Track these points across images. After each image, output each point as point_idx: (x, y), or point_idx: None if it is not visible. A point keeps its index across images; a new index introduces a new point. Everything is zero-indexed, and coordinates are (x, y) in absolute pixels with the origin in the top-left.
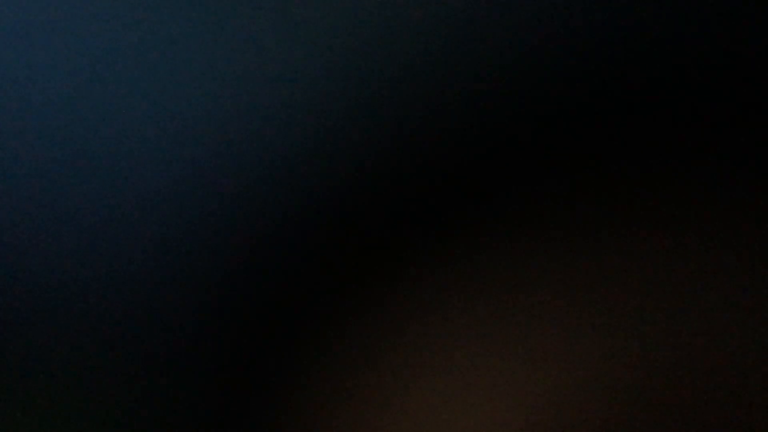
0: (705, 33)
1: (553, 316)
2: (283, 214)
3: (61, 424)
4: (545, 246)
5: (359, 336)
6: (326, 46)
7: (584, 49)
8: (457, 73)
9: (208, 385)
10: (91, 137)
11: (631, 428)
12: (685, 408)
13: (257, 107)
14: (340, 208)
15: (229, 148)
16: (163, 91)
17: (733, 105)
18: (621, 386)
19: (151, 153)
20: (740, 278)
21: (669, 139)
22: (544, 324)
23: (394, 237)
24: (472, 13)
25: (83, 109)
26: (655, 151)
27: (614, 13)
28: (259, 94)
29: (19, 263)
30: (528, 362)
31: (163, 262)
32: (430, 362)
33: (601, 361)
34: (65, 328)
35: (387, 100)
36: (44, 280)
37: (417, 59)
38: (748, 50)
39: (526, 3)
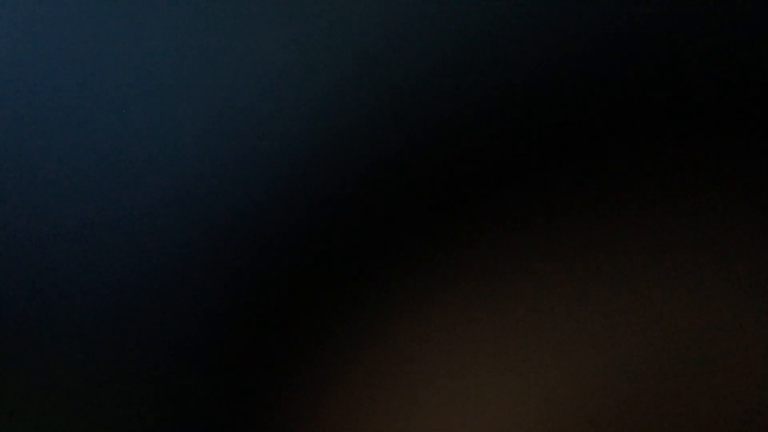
0: (705, 34)
1: (555, 316)
2: (284, 215)
3: (61, 424)
4: (547, 246)
5: (360, 336)
6: (331, 47)
7: (584, 52)
8: (458, 75)
9: (210, 387)
10: (93, 138)
11: (633, 428)
12: (687, 408)
13: (260, 108)
14: (342, 208)
15: (232, 148)
16: (165, 92)
17: (733, 105)
18: (622, 387)
19: (154, 154)
20: (741, 278)
21: (670, 139)
22: (546, 324)
23: (394, 238)
24: (474, 13)
25: (83, 110)
26: (656, 151)
27: (617, 15)
28: (260, 95)
29: (22, 265)
30: (529, 363)
31: (167, 262)
32: (430, 363)
33: (603, 362)
34: (68, 330)
35: (389, 101)
36: (47, 282)
37: (419, 60)
38: (748, 50)
39: (529, 5)
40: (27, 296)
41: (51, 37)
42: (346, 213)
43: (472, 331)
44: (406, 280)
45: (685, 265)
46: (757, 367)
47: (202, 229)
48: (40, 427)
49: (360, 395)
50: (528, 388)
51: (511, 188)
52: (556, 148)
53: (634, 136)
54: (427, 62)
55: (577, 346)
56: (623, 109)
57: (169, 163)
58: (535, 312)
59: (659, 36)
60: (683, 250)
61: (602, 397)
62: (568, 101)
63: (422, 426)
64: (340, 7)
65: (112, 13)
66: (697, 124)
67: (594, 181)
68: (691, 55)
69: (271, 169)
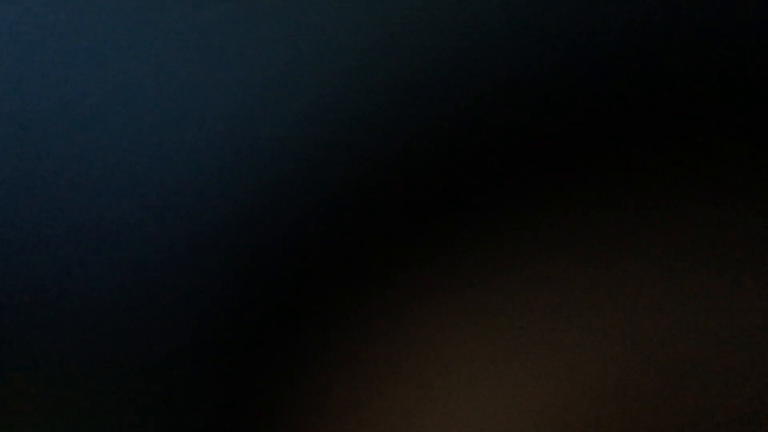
0: (705, 34)
1: (557, 317)
2: (284, 215)
3: (61, 424)
4: (549, 246)
5: (360, 337)
6: (332, 47)
7: (585, 51)
8: (459, 75)
9: (210, 387)
10: (94, 138)
11: (633, 428)
12: (687, 408)
13: (262, 108)
14: (343, 207)
15: (231, 147)
16: (167, 91)
17: (733, 105)
18: (623, 387)
19: (156, 154)
20: (741, 278)
21: (670, 138)
22: (548, 326)
23: (395, 238)
24: (474, 13)
25: (85, 110)
26: (656, 152)
27: (619, 17)
28: (262, 95)
29: (24, 265)
30: (529, 363)
31: (167, 262)
32: (431, 363)
33: (603, 362)
34: (68, 330)
35: (388, 101)
36: (48, 281)
37: (419, 59)
38: (748, 50)
39: (530, 7)
40: (27, 296)
41: (50, 36)
42: (347, 212)
43: (473, 332)
44: (407, 280)
45: (687, 265)
46: (758, 368)
47: (201, 229)
48: (41, 427)
49: (360, 395)
50: (529, 389)
51: (511, 188)
52: (560, 148)
53: (636, 136)
54: (428, 62)
55: (579, 347)
56: (624, 108)
57: (168, 162)
58: (536, 312)
59: (660, 35)
60: (684, 251)
61: (604, 398)
62: (571, 101)
63: (424, 426)
64: (340, 6)
65: (111, 12)
66: (697, 123)
67: (595, 182)
68: (691, 54)
69: (271, 168)
